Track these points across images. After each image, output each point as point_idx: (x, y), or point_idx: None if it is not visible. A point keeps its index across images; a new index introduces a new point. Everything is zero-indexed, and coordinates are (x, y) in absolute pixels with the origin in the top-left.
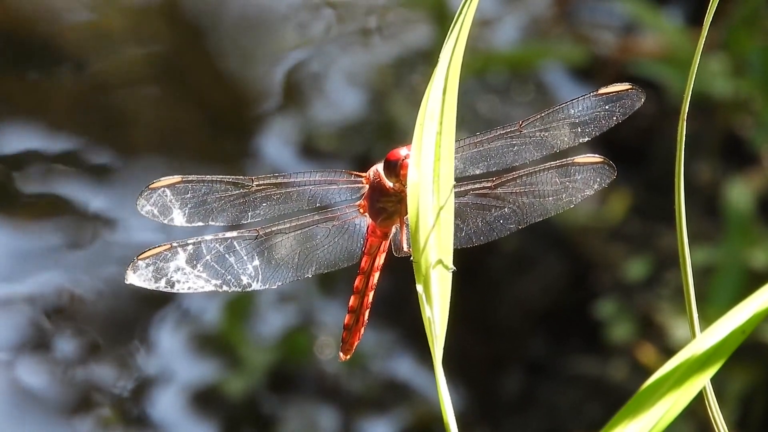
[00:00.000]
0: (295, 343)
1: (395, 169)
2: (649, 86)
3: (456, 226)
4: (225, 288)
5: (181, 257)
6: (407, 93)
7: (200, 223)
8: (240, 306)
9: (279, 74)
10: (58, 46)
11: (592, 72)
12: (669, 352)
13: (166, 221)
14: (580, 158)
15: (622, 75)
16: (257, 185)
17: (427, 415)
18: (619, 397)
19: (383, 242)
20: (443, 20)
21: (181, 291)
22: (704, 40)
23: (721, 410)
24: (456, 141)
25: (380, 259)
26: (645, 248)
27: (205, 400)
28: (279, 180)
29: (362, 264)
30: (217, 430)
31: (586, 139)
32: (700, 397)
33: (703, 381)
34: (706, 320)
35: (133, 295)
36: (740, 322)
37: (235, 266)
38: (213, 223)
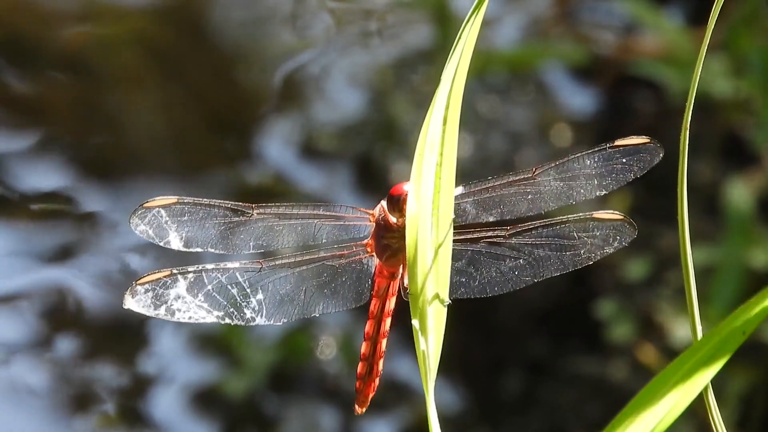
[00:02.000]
0: (295, 343)
1: (398, 204)
2: (649, 86)
3: (469, 274)
4: (227, 321)
5: (182, 285)
6: (407, 93)
7: (198, 249)
8: None
9: (279, 74)
10: (58, 47)
11: (593, 72)
12: (669, 352)
13: (162, 243)
14: (600, 214)
15: (622, 75)
16: (258, 213)
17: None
18: (620, 397)
19: (391, 283)
20: (443, 20)
21: (182, 320)
22: (706, 41)
23: (722, 410)
24: (467, 184)
25: (390, 303)
26: (645, 248)
27: (205, 400)
28: (281, 210)
29: (371, 307)
30: (217, 430)
31: (603, 192)
32: (700, 398)
33: (703, 382)
34: (707, 320)
35: None
36: (741, 323)
37: (238, 299)
38: (212, 250)
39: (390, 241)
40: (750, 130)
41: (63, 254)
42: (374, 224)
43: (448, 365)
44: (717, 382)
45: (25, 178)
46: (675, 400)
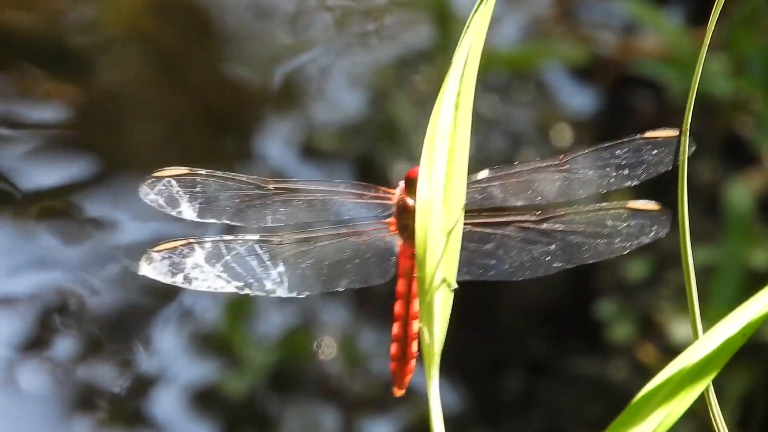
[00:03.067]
0: (295, 343)
1: (415, 186)
2: (649, 86)
3: (499, 257)
4: (247, 291)
5: (199, 255)
6: (407, 93)
7: (213, 220)
8: (240, 306)
9: (279, 74)
10: (58, 46)
11: (593, 72)
12: (669, 352)
13: (174, 213)
14: (635, 203)
15: (622, 75)
16: (275, 188)
17: (428, 415)
18: (620, 398)
19: (415, 264)
20: (443, 20)
21: (200, 289)
22: (706, 41)
23: (723, 410)
24: (493, 168)
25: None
26: (645, 248)
27: (205, 400)
28: (298, 186)
29: (398, 288)
30: (217, 430)
31: (635, 182)
32: (700, 399)
33: (704, 383)
34: (707, 320)
35: (133, 295)
36: (741, 325)
37: (257, 270)
38: (228, 222)
39: (408, 221)
40: (750, 130)
41: (63, 254)
42: (395, 204)
43: (448, 365)
44: (717, 382)
45: (25, 178)
46: (676, 401)
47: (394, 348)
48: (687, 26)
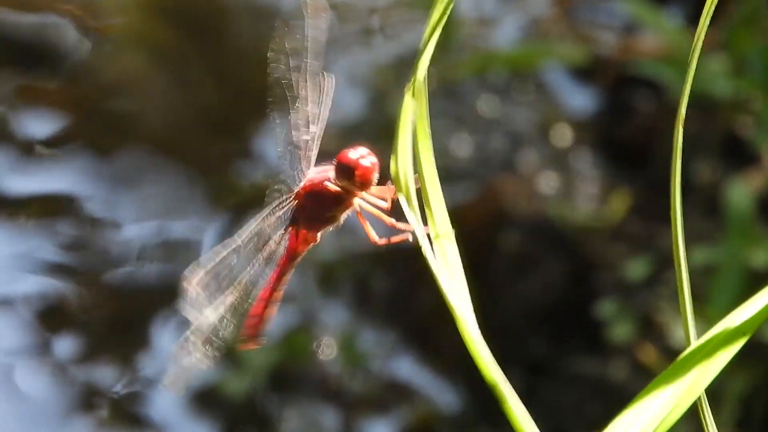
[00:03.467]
0: (295, 343)
1: (348, 171)
2: (649, 86)
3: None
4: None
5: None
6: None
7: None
8: None
9: None
10: (58, 46)
11: (593, 72)
12: (669, 352)
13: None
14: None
15: (622, 75)
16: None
17: (428, 415)
18: (620, 397)
19: (306, 247)
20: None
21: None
22: (704, 40)
23: (722, 410)
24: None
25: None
26: (645, 248)
27: (205, 400)
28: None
29: (281, 265)
30: (217, 430)
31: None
32: (701, 398)
33: (705, 383)
34: (708, 321)
35: (133, 296)
36: (741, 323)
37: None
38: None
39: (335, 211)
40: (750, 130)
41: (62, 255)
42: (301, 201)
43: (447, 364)
44: (717, 382)
45: (25, 179)
46: (676, 401)
47: (258, 308)
48: (687, 26)
